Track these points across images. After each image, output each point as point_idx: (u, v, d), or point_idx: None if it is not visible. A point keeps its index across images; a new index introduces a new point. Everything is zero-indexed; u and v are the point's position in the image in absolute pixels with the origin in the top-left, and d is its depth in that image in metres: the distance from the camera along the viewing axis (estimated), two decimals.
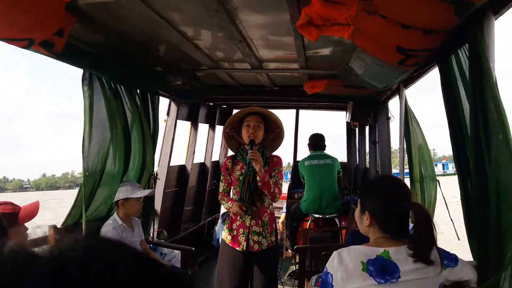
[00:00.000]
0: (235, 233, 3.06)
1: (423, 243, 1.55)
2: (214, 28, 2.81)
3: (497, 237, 1.73)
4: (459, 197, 2.10)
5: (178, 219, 5.46)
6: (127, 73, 3.37)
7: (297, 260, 4.28)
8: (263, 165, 2.98)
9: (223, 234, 3.17)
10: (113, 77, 3.31)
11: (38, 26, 2.12)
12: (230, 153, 3.43)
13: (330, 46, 3.14)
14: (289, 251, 5.60)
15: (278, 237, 6.54)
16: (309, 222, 5.13)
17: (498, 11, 1.73)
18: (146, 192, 3.36)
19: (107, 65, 3.10)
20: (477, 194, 1.89)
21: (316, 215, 5.03)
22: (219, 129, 6.31)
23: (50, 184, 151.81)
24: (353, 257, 1.55)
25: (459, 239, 2.88)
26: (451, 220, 2.79)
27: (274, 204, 3.28)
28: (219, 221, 5.23)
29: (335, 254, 1.60)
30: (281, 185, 3.11)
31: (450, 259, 1.68)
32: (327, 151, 5.37)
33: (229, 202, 3.05)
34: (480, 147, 1.81)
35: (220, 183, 3.20)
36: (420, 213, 1.60)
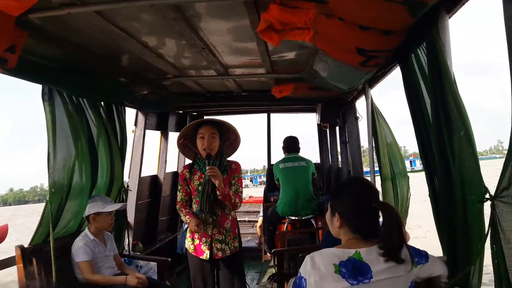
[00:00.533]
0: (197, 242, 3.03)
1: (393, 243, 1.55)
2: (175, 36, 2.78)
3: (464, 231, 1.76)
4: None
5: (153, 230, 5.37)
6: (89, 86, 3.29)
7: (276, 263, 4.27)
8: (223, 173, 2.95)
9: (186, 243, 3.13)
10: (74, 91, 3.21)
11: None
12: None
13: (294, 50, 3.15)
14: (268, 254, 5.57)
15: (257, 241, 6.57)
16: (286, 224, 5.12)
17: (451, 9, 1.77)
18: (117, 206, 3.27)
19: (66, 79, 3.01)
20: (444, 189, 1.92)
21: (293, 217, 5.02)
22: None
23: (18, 198, 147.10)
24: (326, 260, 1.55)
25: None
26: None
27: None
28: (181, 229, 5.17)
29: (307, 258, 1.59)
30: (241, 192, 3.08)
31: (420, 256, 1.69)
32: (302, 153, 5.38)
33: (187, 217, 2.99)
34: (443, 143, 1.84)
35: (178, 192, 3.12)
36: (389, 213, 1.60)
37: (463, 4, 1.72)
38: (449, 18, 1.81)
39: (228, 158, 3.16)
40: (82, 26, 2.47)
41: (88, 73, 3.20)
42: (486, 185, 1.60)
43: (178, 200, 3.11)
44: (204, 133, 2.95)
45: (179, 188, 3.12)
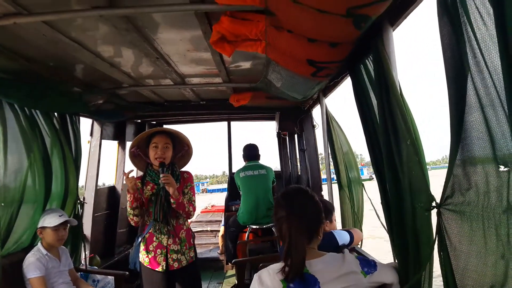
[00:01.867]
0: (152, 254, 2.97)
1: (286, 257, 1.55)
2: (128, 46, 2.73)
3: (414, 238, 1.80)
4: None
5: (111, 243, 5.22)
6: (40, 97, 3.19)
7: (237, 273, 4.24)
8: (175, 183, 2.92)
9: (140, 257, 3.05)
10: (25, 102, 3.12)
11: None
12: None
13: (249, 59, 3.16)
14: (230, 264, 5.53)
15: (219, 251, 6.51)
16: (247, 233, 5.10)
17: (394, 22, 1.82)
18: (57, 221, 3.07)
19: (16, 90, 2.92)
20: (393, 196, 1.96)
21: (254, 226, 5.02)
22: None
23: None
24: (273, 276, 1.54)
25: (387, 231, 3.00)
26: (378, 216, 2.89)
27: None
28: (135, 243, 5.06)
29: (255, 276, 1.58)
30: (195, 201, 3.07)
31: (369, 265, 1.72)
32: (263, 160, 5.40)
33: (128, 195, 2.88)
34: (392, 152, 1.88)
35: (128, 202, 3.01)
36: (285, 224, 1.59)
37: (406, 17, 1.77)
38: (393, 30, 1.87)
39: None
40: (30, 36, 2.39)
41: (39, 84, 3.10)
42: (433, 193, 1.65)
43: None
44: (157, 143, 2.93)
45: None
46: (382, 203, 2.19)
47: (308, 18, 1.64)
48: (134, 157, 3.12)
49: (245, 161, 5.37)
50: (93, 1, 1.96)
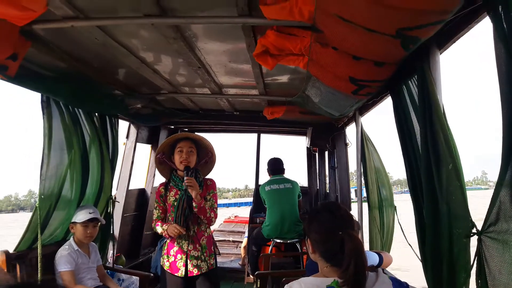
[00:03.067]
0: (173, 259, 3.01)
1: (350, 276, 1.47)
2: (172, 54, 2.81)
3: (450, 264, 1.76)
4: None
5: (137, 244, 5.31)
6: (85, 97, 3.34)
7: (259, 286, 4.22)
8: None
9: (161, 261, 3.10)
10: (71, 101, 3.27)
11: None
12: None
13: (288, 74, 3.19)
14: (251, 276, 5.51)
15: (240, 262, 6.50)
16: (270, 247, 5.08)
17: (442, 45, 1.82)
18: (85, 217, 3.19)
19: (64, 89, 3.06)
20: (430, 221, 1.93)
21: (278, 240, 5.00)
22: None
23: None
24: None
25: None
26: (410, 245, 2.84)
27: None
28: (157, 247, 5.10)
29: (286, 287, 1.57)
30: (217, 208, 3.08)
31: (401, 287, 1.69)
32: (289, 174, 5.39)
33: (164, 225, 2.98)
34: (432, 175, 1.85)
35: (154, 210, 3.12)
36: (349, 244, 1.52)
37: (454, 41, 1.77)
38: (441, 53, 1.86)
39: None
40: (83, 39, 2.50)
41: (85, 85, 3.24)
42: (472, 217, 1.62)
43: (155, 218, 3.10)
44: (182, 147, 3.01)
45: (155, 205, 3.12)
46: (416, 227, 2.15)
47: (355, 36, 1.65)
48: (159, 164, 3.19)
49: (269, 175, 5.37)
50: (146, 9, 2.04)
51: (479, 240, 1.54)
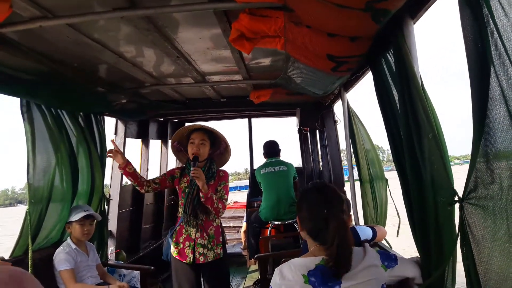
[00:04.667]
0: (181, 246, 3.08)
1: (333, 254, 1.51)
2: (149, 46, 2.77)
3: (437, 233, 1.78)
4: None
5: (136, 238, 5.33)
6: (66, 98, 3.31)
7: (260, 268, 4.27)
8: (210, 180, 3.04)
9: (171, 248, 3.17)
10: (52, 102, 3.23)
11: None
12: None
13: (268, 56, 3.17)
14: (252, 259, 5.57)
15: (242, 247, 6.55)
16: (269, 229, 5.12)
17: (415, 15, 1.80)
18: (81, 215, 3.19)
19: (43, 91, 3.02)
20: (415, 191, 1.94)
21: (276, 222, 5.04)
22: None
23: None
24: (294, 271, 1.55)
25: (397, 236, 2.98)
26: (399, 217, 2.87)
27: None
28: (168, 235, 5.16)
29: (276, 270, 1.59)
30: (226, 200, 3.12)
31: (390, 259, 1.71)
32: (284, 156, 5.40)
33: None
34: (413, 147, 1.86)
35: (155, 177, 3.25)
36: (333, 222, 1.55)
37: (427, 9, 1.75)
38: (414, 23, 1.84)
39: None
40: (55, 39, 2.46)
41: (65, 85, 3.19)
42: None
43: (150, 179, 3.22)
44: (194, 139, 3.07)
45: (161, 174, 3.23)
46: (404, 198, 2.17)
47: (326, 13, 1.63)
48: (178, 152, 3.32)
49: (265, 158, 5.38)
50: (114, 3, 2.00)
51: (461, 208, 1.55)
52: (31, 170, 2.99)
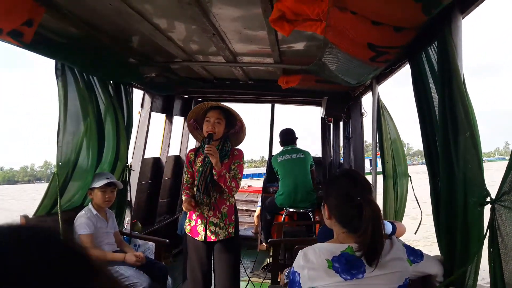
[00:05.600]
0: (194, 224, 3.11)
1: (366, 241, 1.50)
2: (187, 20, 2.77)
3: (463, 233, 1.76)
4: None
5: (153, 211, 5.44)
6: (99, 64, 3.34)
7: (271, 253, 4.30)
8: (224, 158, 3.04)
9: (184, 225, 3.22)
10: (85, 68, 3.28)
11: (5, 16, 2.08)
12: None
13: (304, 41, 3.13)
14: (264, 244, 5.62)
15: (253, 230, 6.60)
16: (283, 216, 5.15)
17: (465, 10, 1.75)
18: (103, 182, 3.27)
19: (78, 56, 3.06)
20: (445, 189, 1.93)
21: (291, 209, 5.06)
22: None
23: (8, 178, 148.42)
24: (318, 255, 1.55)
25: (415, 233, 2.96)
26: (421, 215, 2.85)
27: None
28: (183, 211, 5.24)
29: (300, 253, 1.60)
30: (240, 179, 3.11)
31: (415, 254, 1.71)
32: (302, 145, 5.38)
33: (184, 197, 3.12)
34: (449, 144, 1.84)
35: (184, 174, 3.24)
36: (368, 209, 1.53)
37: (478, 4, 1.70)
38: (463, 18, 1.79)
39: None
40: (97, 5, 2.48)
41: (99, 52, 3.23)
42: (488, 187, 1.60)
43: (184, 182, 3.22)
44: (210, 117, 3.04)
45: (184, 170, 3.22)
46: (431, 195, 2.15)
47: (377, 0, 1.60)
48: (194, 130, 3.30)
49: (281, 146, 5.38)
50: None
51: (492, 209, 1.53)
52: (61, 133, 3.06)
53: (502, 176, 1.47)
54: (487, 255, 1.59)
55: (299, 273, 1.57)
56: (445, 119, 1.83)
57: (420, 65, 2.19)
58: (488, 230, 1.57)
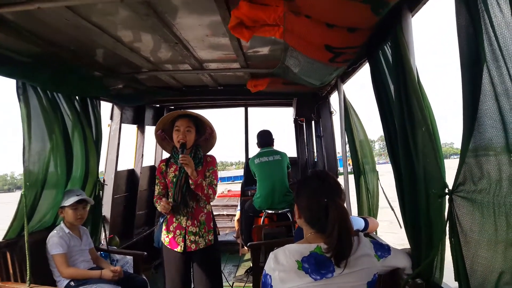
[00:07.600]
0: (172, 235, 3.07)
1: (333, 243, 1.52)
2: (148, 31, 2.76)
3: (427, 225, 1.81)
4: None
5: (130, 224, 5.36)
6: (62, 81, 3.27)
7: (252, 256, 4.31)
8: (198, 165, 3.01)
9: (162, 236, 3.16)
10: (47, 85, 3.20)
11: None
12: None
13: (268, 45, 3.17)
14: (245, 248, 5.62)
15: (235, 235, 6.59)
16: (262, 218, 5.17)
17: (413, 8, 1.81)
18: (74, 199, 3.21)
19: (39, 74, 2.99)
20: (408, 183, 1.97)
21: (269, 211, 5.08)
22: None
23: None
24: (288, 256, 1.56)
25: (401, 227, 3.01)
26: (392, 209, 2.90)
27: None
28: (158, 223, 5.19)
29: (271, 255, 1.61)
30: (216, 185, 3.10)
31: (383, 250, 1.74)
32: (279, 145, 5.41)
33: (160, 202, 3.03)
34: (407, 138, 1.89)
35: (156, 186, 3.16)
36: (334, 211, 1.55)
37: (425, 3, 1.76)
38: (412, 16, 1.85)
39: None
40: (53, 21, 2.44)
41: (62, 68, 3.17)
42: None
43: (155, 194, 3.14)
44: (179, 126, 3.00)
45: (156, 182, 3.15)
46: (396, 189, 2.20)
47: (326, 3, 1.65)
48: (162, 140, 3.24)
49: (259, 147, 5.39)
50: None
51: (450, 200, 1.59)
52: (27, 153, 2.97)
53: (456, 168, 1.52)
54: (449, 245, 1.64)
55: (270, 276, 1.58)
56: (402, 114, 1.89)
57: (378, 63, 2.24)
58: (448, 221, 1.62)
